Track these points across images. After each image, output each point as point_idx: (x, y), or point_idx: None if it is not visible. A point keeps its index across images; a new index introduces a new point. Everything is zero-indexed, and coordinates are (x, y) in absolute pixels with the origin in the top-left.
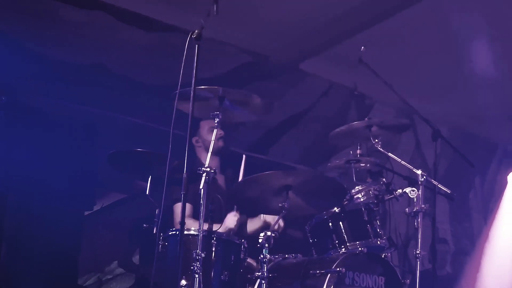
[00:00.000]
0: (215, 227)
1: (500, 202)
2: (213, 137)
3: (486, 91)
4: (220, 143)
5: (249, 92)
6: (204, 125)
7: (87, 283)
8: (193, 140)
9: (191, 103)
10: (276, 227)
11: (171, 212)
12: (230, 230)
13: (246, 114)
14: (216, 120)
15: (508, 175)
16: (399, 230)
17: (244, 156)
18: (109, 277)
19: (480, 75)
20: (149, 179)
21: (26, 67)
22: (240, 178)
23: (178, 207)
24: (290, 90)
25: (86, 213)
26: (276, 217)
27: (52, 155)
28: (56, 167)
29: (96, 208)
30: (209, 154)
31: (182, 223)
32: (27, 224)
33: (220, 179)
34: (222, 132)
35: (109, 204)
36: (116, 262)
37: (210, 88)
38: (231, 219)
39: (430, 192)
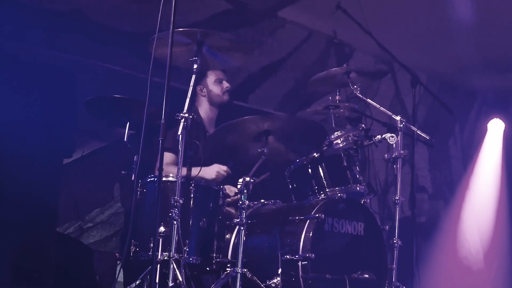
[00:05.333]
0: (194, 172)
1: (479, 149)
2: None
3: (465, 39)
4: (226, 97)
5: (228, 34)
6: (211, 75)
7: (67, 232)
8: (198, 88)
9: (169, 48)
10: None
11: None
12: (202, 179)
13: (226, 60)
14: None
15: (488, 122)
16: (379, 177)
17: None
18: (90, 225)
19: (459, 23)
20: (127, 125)
21: (1, 13)
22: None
23: (165, 155)
24: (269, 38)
25: (65, 161)
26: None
27: (29, 103)
28: (32, 115)
29: (76, 156)
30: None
31: (160, 169)
32: (2, 172)
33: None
34: (229, 85)
35: (89, 152)
36: (98, 210)
37: (188, 31)
38: (212, 171)
39: (410, 139)
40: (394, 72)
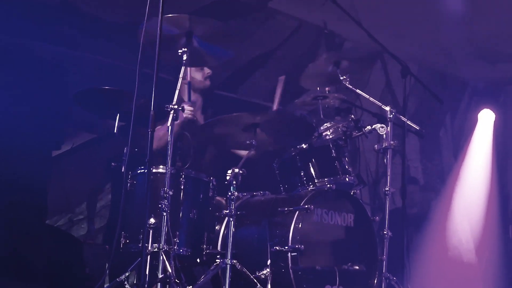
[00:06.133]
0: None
1: (470, 140)
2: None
3: (456, 29)
4: (207, 82)
5: (217, 22)
6: None
7: (58, 224)
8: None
9: (158, 37)
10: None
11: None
12: (186, 119)
13: (215, 52)
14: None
15: (478, 113)
16: (370, 168)
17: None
18: (80, 217)
19: (450, 13)
20: (117, 117)
21: None
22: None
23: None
24: (260, 29)
25: (55, 153)
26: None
27: (19, 95)
28: (21, 107)
29: (66, 148)
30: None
31: (150, 161)
32: None
33: (200, 119)
34: (210, 71)
35: (79, 144)
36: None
37: (177, 17)
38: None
39: (400, 129)
40: (384, 62)
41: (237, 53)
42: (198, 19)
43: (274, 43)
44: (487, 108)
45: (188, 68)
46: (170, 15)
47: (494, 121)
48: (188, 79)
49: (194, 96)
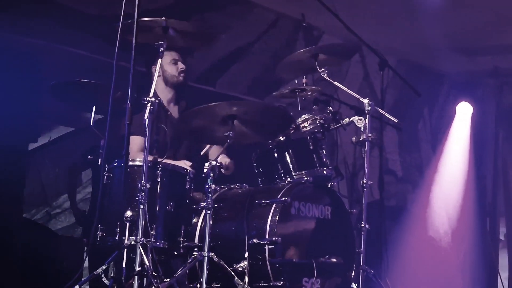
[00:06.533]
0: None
1: (448, 132)
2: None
3: (434, 22)
4: (181, 78)
5: (194, 22)
6: (167, 56)
7: (35, 218)
8: (152, 68)
9: (133, 36)
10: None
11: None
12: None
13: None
14: (161, 49)
15: (456, 106)
16: (348, 160)
17: None
18: (58, 211)
19: (427, 6)
20: (93, 110)
21: None
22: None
23: (133, 140)
24: (237, 22)
25: (32, 146)
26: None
27: None
28: None
29: (43, 141)
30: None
31: (126, 153)
32: None
33: (174, 111)
34: (184, 66)
35: (56, 138)
36: (65, 195)
37: (154, 20)
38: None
39: (379, 122)
40: (363, 55)
41: (215, 46)
42: (174, 22)
43: (252, 36)
44: (465, 101)
45: (162, 61)
46: (145, 19)
47: (472, 114)
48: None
49: (166, 90)
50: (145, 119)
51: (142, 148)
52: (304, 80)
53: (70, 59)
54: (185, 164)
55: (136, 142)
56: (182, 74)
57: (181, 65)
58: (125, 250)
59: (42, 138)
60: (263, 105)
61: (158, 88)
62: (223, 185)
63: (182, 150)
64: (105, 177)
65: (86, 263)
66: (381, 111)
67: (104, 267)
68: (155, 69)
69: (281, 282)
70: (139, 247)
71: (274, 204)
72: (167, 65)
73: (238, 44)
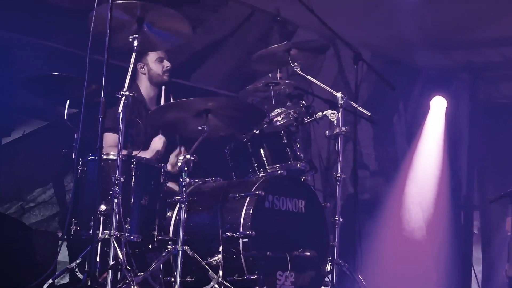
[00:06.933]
0: (136, 151)
1: (423, 126)
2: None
3: (408, 16)
4: (166, 77)
5: (169, 9)
6: (152, 54)
7: (9, 212)
8: (138, 66)
9: (108, 23)
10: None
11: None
12: (157, 152)
13: (167, 38)
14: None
15: (431, 100)
16: (322, 154)
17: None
18: (32, 205)
19: (402, 0)
20: (67, 103)
21: None
22: None
23: (107, 136)
24: (212, 15)
25: (5, 140)
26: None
27: None
28: None
29: (17, 135)
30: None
31: (100, 147)
32: None
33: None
34: (169, 65)
35: (30, 131)
36: (39, 189)
37: (128, 3)
38: (157, 142)
39: (353, 116)
40: (337, 50)
41: (190, 40)
42: (149, 6)
43: (227, 30)
44: (439, 95)
45: (148, 58)
46: (120, 1)
47: (446, 108)
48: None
49: (150, 88)
50: (119, 113)
51: (116, 144)
52: (278, 74)
53: (45, 52)
54: (158, 138)
55: (108, 139)
56: (167, 74)
57: (166, 63)
58: (99, 244)
59: (16, 132)
60: (237, 101)
61: (142, 86)
62: (197, 179)
63: None
64: (79, 171)
65: (61, 257)
66: (354, 104)
67: (78, 261)
68: (140, 66)
69: (255, 276)
70: (113, 241)
71: (248, 198)
72: (152, 63)
73: (213, 37)
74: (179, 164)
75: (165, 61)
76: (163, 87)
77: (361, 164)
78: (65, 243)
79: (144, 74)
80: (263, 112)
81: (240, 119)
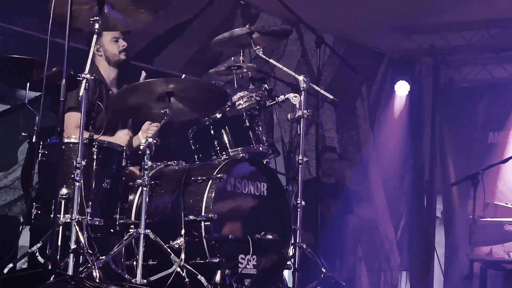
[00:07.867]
0: (97, 134)
1: (386, 110)
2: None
3: (371, 0)
4: (122, 56)
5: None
6: (107, 34)
7: None
8: (94, 48)
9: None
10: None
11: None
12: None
13: (129, 21)
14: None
15: (394, 84)
16: (285, 138)
17: (143, 72)
18: None
19: None
20: (27, 87)
21: None
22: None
23: (69, 116)
24: None
25: None
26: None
27: None
28: None
29: None
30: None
31: (61, 131)
32: None
33: (116, 91)
34: (125, 44)
35: None
36: (1, 174)
37: None
38: (122, 137)
39: (316, 99)
40: (301, 33)
41: (153, 23)
42: None
43: (190, 14)
44: (402, 79)
45: (103, 40)
46: None
47: (409, 92)
48: (102, 52)
49: (110, 69)
50: (81, 96)
51: (78, 125)
52: (241, 58)
53: (5, 35)
54: (124, 134)
55: (72, 119)
56: (123, 53)
57: (122, 43)
58: (60, 228)
59: None
60: (199, 82)
61: (102, 68)
62: (159, 162)
63: (121, 128)
64: (40, 154)
65: (22, 242)
66: (317, 88)
67: (39, 245)
68: (96, 48)
69: (217, 259)
70: (74, 225)
71: (210, 181)
72: (108, 44)
73: (175, 21)
74: (141, 147)
75: (120, 40)
76: (143, 74)
77: (327, 147)
78: (27, 227)
79: (101, 55)
80: (226, 94)
81: (203, 102)
